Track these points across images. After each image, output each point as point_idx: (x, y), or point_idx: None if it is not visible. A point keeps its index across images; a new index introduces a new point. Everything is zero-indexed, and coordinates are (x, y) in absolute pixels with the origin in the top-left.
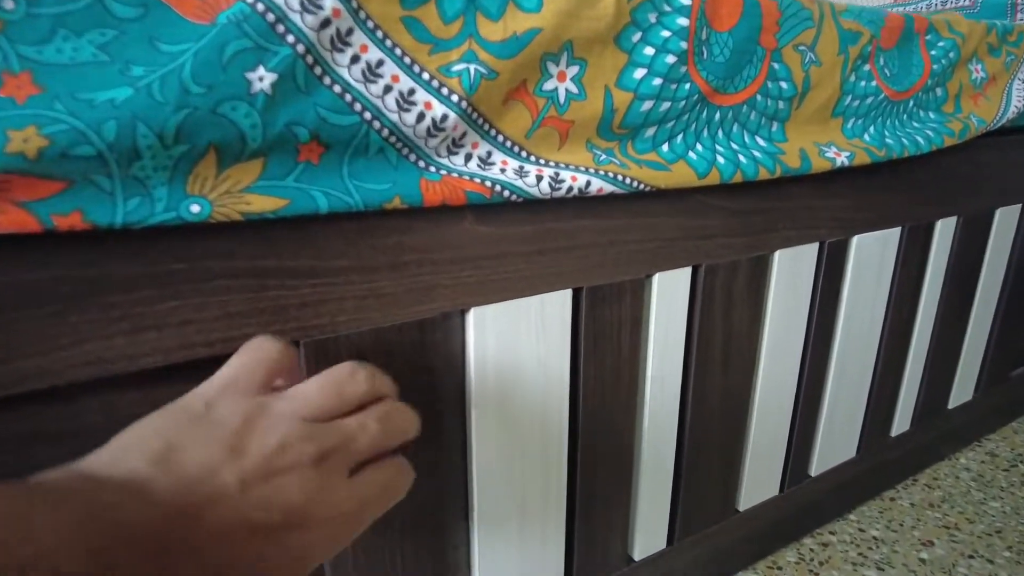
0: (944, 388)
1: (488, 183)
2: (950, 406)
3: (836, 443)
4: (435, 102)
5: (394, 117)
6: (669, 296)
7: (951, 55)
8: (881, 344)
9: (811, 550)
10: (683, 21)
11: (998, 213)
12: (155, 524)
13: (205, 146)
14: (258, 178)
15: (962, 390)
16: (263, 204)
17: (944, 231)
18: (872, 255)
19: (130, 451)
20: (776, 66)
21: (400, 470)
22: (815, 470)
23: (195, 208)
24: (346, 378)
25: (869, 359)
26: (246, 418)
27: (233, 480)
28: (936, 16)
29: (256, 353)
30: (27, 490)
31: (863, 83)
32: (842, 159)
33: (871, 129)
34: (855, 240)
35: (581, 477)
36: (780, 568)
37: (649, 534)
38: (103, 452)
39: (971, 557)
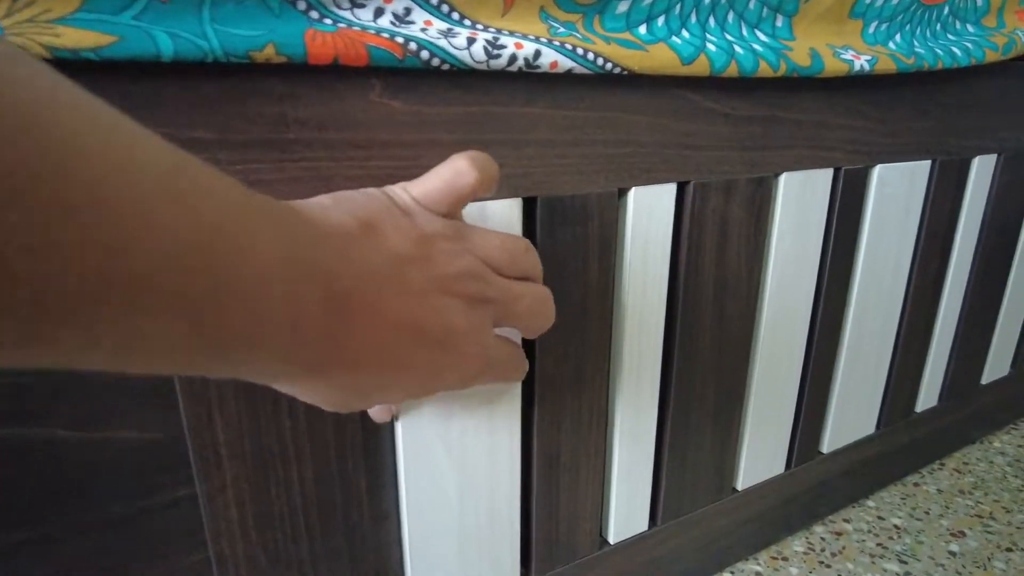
0: (978, 361)
1: (400, 39)
2: (984, 381)
3: (852, 416)
4: None
5: None
6: (648, 218)
7: None
8: (906, 301)
9: (822, 539)
10: None
11: None
12: (346, 281)
13: None
14: (78, 8)
15: (998, 364)
16: (78, 39)
17: (982, 169)
18: (897, 190)
19: (341, 205)
20: None
21: (522, 358)
22: (827, 446)
23: None
24: (522, 251)
25: (892, 317)
26: (442, 234)
27: (419, 279)
28: None
29: (460, 178)
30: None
31: None
32: (862, 63)
33: (897, 37)
34: (877, 170)
35: (540, 448)
36: (786, 559)
37: (627, 514)
38: (312, 201)
39: (1009, 550)
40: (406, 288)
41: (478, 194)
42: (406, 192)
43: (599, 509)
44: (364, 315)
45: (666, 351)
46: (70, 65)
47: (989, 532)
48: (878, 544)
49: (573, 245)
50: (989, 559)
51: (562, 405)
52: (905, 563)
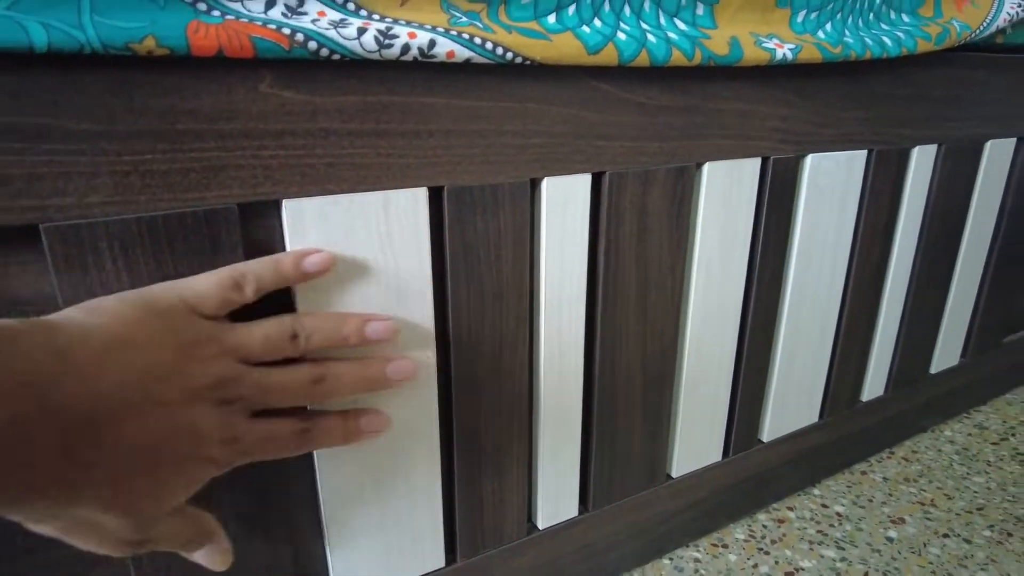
0: (926, 350)
1: (287, 30)
2: (933, 371)
3: (793, 405)
4: None
5: None
6: (563, 208)
7: None
8: (847, 291)
9: (764, 527)
10: None
11: (988, 145)
12: (85, 405)
13: None
14: None
15: (947, 353)
16: None
17: (922, 160)
18: (832, 180)
19: (93, 317)
20: None
21: (300, 436)
22: (767, 435)
23: None
24: (287, 339)
25: (832, 308)
26: (201, 341)
27: (170, 394)
28: None
29: (233, 293)
30: None
31: None
32: (784, 51)
33: (827, 26)
34: (809, 159)
35: (459, 431)
36: (726, 546)
37: (555, 499)
38: (58, 317)
39: (946, 536)
40: (153, 404)
41: (247, 299)
42: (175, 292)
43: (526, 494)
44: (103, 436)
45: (588, 340)
46: None
47: (928, 519)
48: (818, 531)
49: (485, 235)
50: (925, 545)
51: (480, 393)
52: (843, 549)
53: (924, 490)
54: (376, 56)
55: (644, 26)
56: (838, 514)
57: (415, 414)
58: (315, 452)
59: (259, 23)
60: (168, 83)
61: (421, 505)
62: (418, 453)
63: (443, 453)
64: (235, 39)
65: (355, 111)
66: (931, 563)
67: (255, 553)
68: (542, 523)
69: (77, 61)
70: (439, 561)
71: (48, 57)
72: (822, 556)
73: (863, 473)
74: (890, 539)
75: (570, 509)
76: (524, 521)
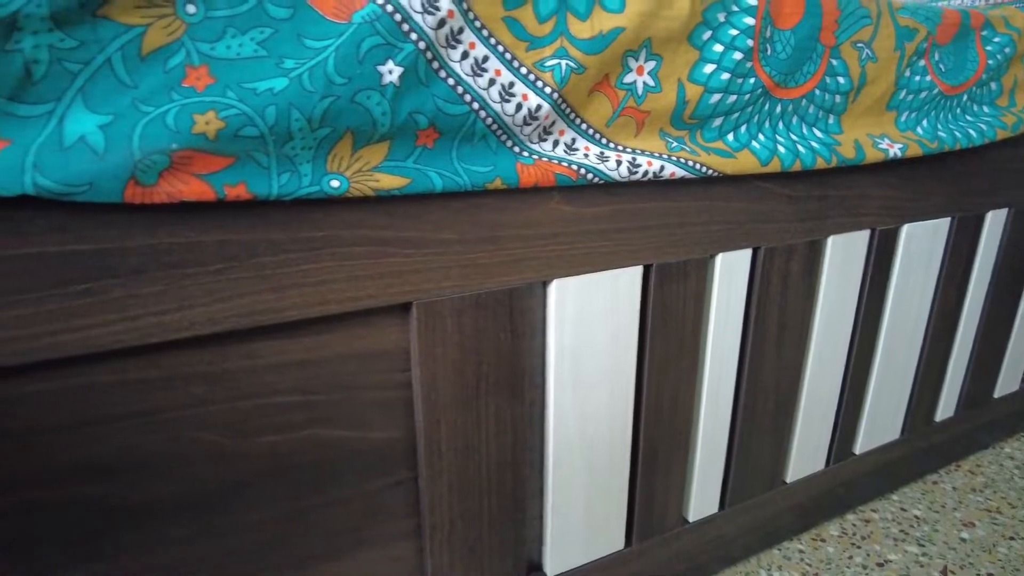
0: (990, 378)
1: (574, 167)
2: (996, 395)
3: (881, 424)
4: (531, 94)
5: (497, 107)
6: (730, 275)
7: (1007, 50)
8: (928, 331)
9: (853, 525)
10: (749, 20)
11: None
12: None
13: (343, 130)
14: (384, 159)
15: (1009, 380)
16: (390, 182)
17: (995, 222)
18: (921, 243)
19: None
20: (835, 62)
21: None
22: (859, 448)
23: (335, 183)
24: None
25: (915, 344)
26: None
27: None
28: (993, 12)
29: None
30: None
31: (918, 78)
32: (895, 150)
33: (924, 122)
34: (905, 228)
35: (644, 441)
36: (823, 540)
37: (703, 498)
38: None
39: (1012, 539)
40: None
41: None
42: None
43: (681, 493)
44: None
45: (738, 373)
46: (385, 200)
47: (996, 524)
48: (900, 531)
49: (675, 298)
50: (994, 546)
51: (660, 415)
52: (923, 546)
53: (990, 499)
54: (625, 179)
55: (793, 136)
56: (916, 517)
57: (618, 427)
58: (550, 449)
59: (556, 162)
60: (495, 204)
61: (614, 498)
62: (616, 456)
63: (631, 458)
64: (545, 176)
65: (605, 216)
66: (1000, 560)
67: (487, 539)
68: (692, 517)
69: (441, 194)
70: (620, 544)
71: (440, 195)
72: (906, 551)
73: (934, 483)
74: (963, 539)
75: (712, 506)
76: (679, 515)
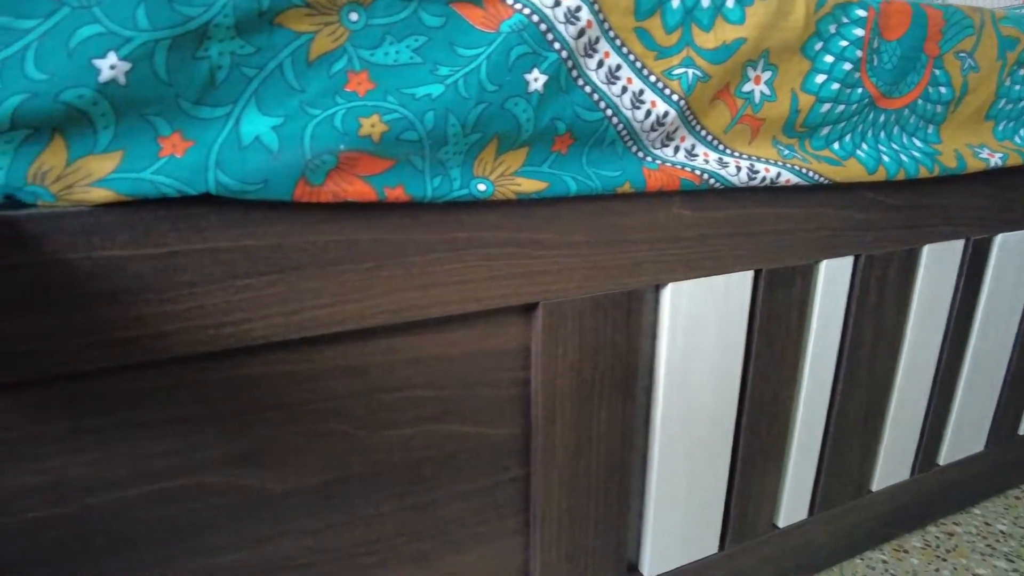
0: None
1: (697, 171)
2: None
3: (966, 435)
4: (660, 101)
5: (628, 114)
6: (833, 282)
7: None
8: (1016, 342)
9: (936, 537)
10: (859, 31)
11: None
12: None
13: (491, 135)
14: (523, 164)
15: None
16: (530, 186)
17: None
18: (1014, 254)
19: None
20: (937, 72)
21: None
22: (943, 459)
23: (481, 187)
24: None
25: (1004, 356)
26: None
27: None
28: None
29: None
30: None
31: (1018, 87)
32: (996, 160)
33: (1022, 131)
34: (998, 238)
35: (744, 444)
36: (906, 552)
37: (793, 504)
38: None
39: None
40: None
41: None
42: None
43: (775, 498)
44: None
45: (834, 380)
46: (523, 203)
47: None
48: (987, 545)
49: (782, 303)
50: None
51: (760, 419)
52: (1012, 562)
53: None
54: (744, 185)
55: (894, 146)
56: (1001, 532)
57: (721, 430)
58: (656, 450)
59: (678, 167)
60: (620, 208)
61: (712, 501)
62: (717, 459)
63: (731, 461)
64: (670, 180)
65: (721, 221)
66: None
67: (592, 537)
68: (781, 523)
69: (574, 198)
70: (714, 547)
71: (572, 198)
72: (995, 566)
73: (1017, 498)
74: None
75: (802, 513)
76: (770, 520)
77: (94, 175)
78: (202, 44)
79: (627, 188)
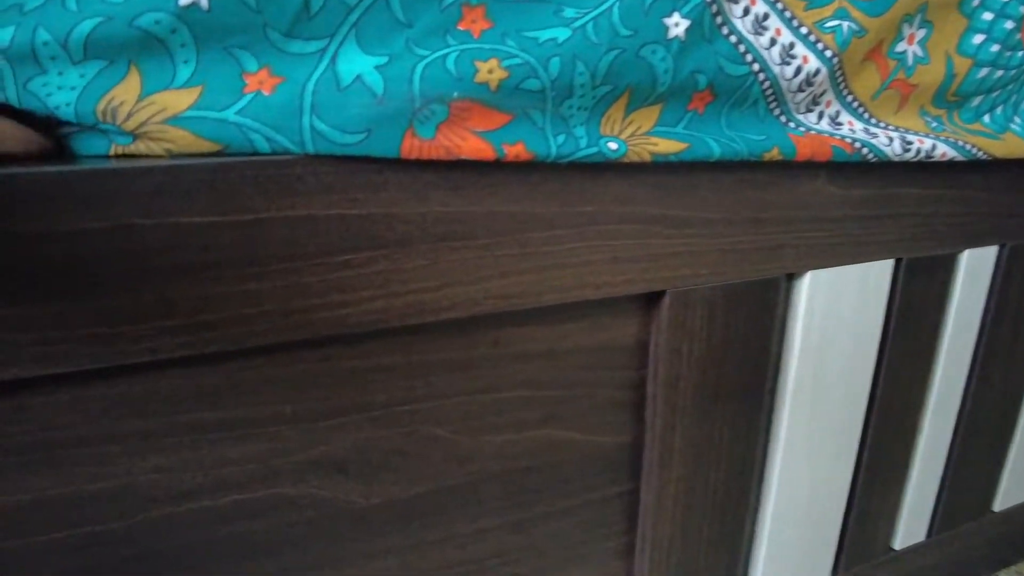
0: None
1: (848, 140)
2: None
3: None
4: (812, 56)
5: (776, 70)
6: (974, 274)
7: None
8: None
9: None
10: None
11: None
12: None
13: (623, 88)
14: (655, 124)
15: None
16: (668, 146)
17: None
18: None
19: None
20: None
21: None
22: None
23: (612, 146)
24: None
25: None
26: None
27: None
28: None
29: None
30: None
31: None
32: None
33: None
34: None
35: (869, 455)
36: None
37: (912, 525)
38: None
39: None
40: None
41: None
42: None
43: (894, 517)
44: None
45: (966, 385)
46: (654, 171)
47: None
48: None
49: (919, 295)
50: None
51: (889, 427)
52: None
53: None
54: (898, 158)
55: None
56: None
57: (846, 440)
58: (777, 462)
59: (826, 134)
60: (763, 180)
61: (830, 520)
62: (839, 473)
63: (852, 476)
64: (821, 148)
65: (865, 200)
66: None
67: (702, 560)
68: (898, 544)
69: (712, 165)
70: (827, 571)
71: (710, 167)
72: None
73: None
74: None
75: (919, 534)
76: (886, 542)
77: (169, 110)
78: None
79: (775, 155)
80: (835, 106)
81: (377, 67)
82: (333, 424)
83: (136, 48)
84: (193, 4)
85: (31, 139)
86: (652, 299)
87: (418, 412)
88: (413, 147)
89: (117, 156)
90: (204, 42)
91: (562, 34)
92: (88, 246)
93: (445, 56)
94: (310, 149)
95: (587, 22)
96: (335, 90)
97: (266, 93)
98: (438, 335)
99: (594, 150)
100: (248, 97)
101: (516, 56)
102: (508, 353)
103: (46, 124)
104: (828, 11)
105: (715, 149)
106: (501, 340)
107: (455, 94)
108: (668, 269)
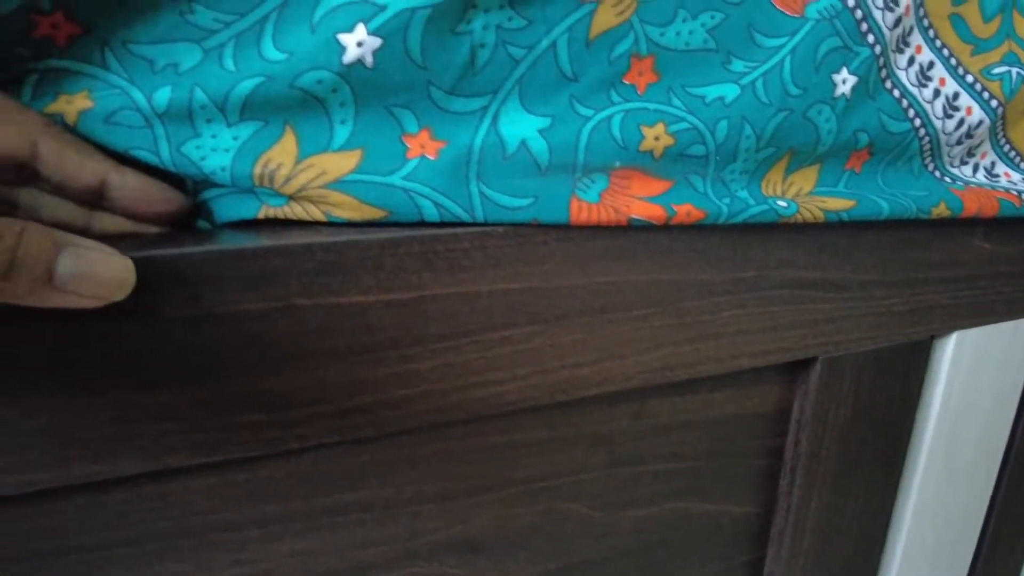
0: None
1: (1013, 192)
2: None
3: None
4: (976, 107)
5: (938, 124)
6: None
7: None
8: None
9: None
10: None
11: None
12: None
13: (785, 150)
14: (815, 185)
15: None
16: (837, 204)
17: None
18: None
19: None
20: None
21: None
22: None
23: (782, 204)
24: None
25: None
26: None
27: None
28: None
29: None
30: None
31: None
32: None
33: None
34: None
35: (995, 524)
36: None
37: None
38: None
39: None
40: None
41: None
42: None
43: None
44: None
45: None
46: (810, 234)
47: None
48: None
49: None
50: None
51: (1018, 496)
52: None
53: None
54: None
55: None
56: None
57: (974, 511)
58: (903, 535)
59: (987, 188)
60: (919, 239)
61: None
62: (962, 547)
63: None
64: (988, 202)
65: (1018, 257)
66: None
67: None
68: None
69: (873, 225)
70: None
71: (870, 227)
72: None
73: None
74: None
75: None
76: None
77: (330, 174)
78: (466, 14)
79: (942, 210)
80: (990, 157)
81: (541, 131)
82: (472, 502)
83: (293, 108)
84: (358, 61)
85: (178, 201)
86: (800, 365)
87: (556, 488)
88: (582, 211)
89: (267, 219)
90: (364, 101)
91: (730, 92)
92: (243, 329)
93: (610, 119)
94: (479, 215)
95: (756, 78)
96: (501, 158)
97: (431, 158)
98: (581, 409)
99: (765, 208)
100: (413, 162)
101: (683, 120)
102: (650, 425)
103: (183, 183)
104: (996, 55)
105: (884, 207)
106: (643, 412)
107: (617, 163)
108: (822, 335)
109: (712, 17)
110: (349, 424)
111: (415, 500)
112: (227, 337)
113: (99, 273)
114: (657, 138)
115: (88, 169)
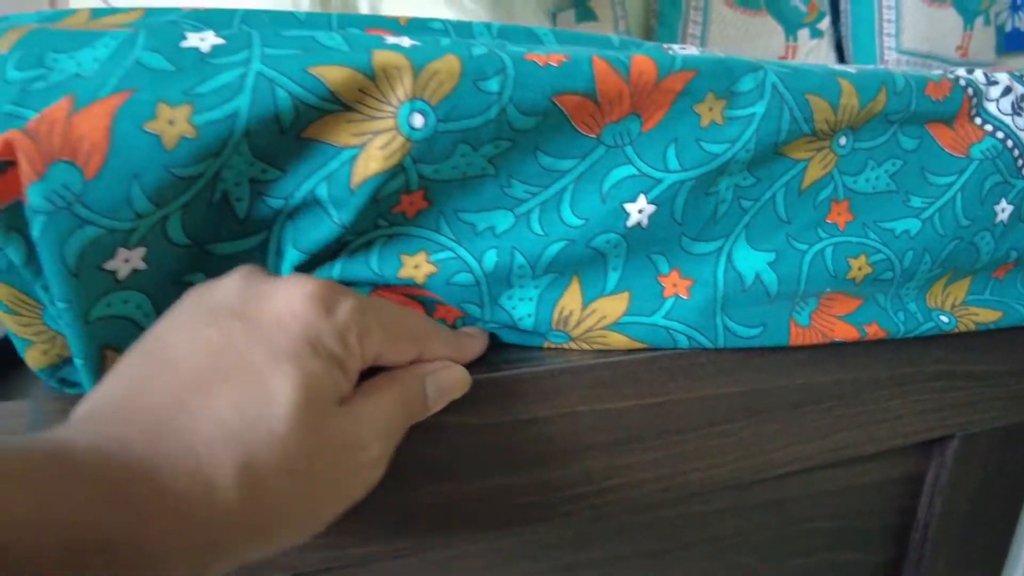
0: None
1: None
2: None
3: None
4: None
5: None
6: None
7: None
8: None
9: None
10: None
11: None
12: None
13: (949, 268)
14: (967, 293)
15: None
16: (987, 316)
17: None
18: None
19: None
20: None
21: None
22: None
23: (944, 319)
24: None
25: None
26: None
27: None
28: None
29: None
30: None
31: None
32: None
33: None
34: None
35: None
36: None
37: None
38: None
39: None
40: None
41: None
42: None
43: None
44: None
45: None
46: (966, 334)
47: None
48: None
49: None
50: None
51: None
52: None
53: None
54: None
55: None
56: None
57: None
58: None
59: None
60: None
61: None
62: None
63: None
64: None
65: None
66: None
67: None
68: None
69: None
70: None
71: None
72: None
73: None
74: None
75: None
76: None
77: (608, 318)
78: (716, 180)
79: None
80: None
81: (769, 264)
82: (674, 557)
83: (584, 262)
84: (637, 224)
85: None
86: (940, 439)
87: (736, 544)
88: (797, 335)
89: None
90: (633, 252)
91: (914, 226)
92: (535, 431)
93: (822, 251)
94: (721, 344)
95: (934, 213)
96: (740, 290)
97: (684, 296)
98: (764, 480)
99: (931, 324)
100: (670, 301)
101: (880, 251)
102: (815, 491)
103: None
104: None
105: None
106: (811, 481)
107: (828, 289)
108: (961, 416)
109: (893, 164)
110: (602, 502)
111: (631, 556)
112: (521, 438)
113: (448, 383)
114: (860, 268)
115: (403, 352)
